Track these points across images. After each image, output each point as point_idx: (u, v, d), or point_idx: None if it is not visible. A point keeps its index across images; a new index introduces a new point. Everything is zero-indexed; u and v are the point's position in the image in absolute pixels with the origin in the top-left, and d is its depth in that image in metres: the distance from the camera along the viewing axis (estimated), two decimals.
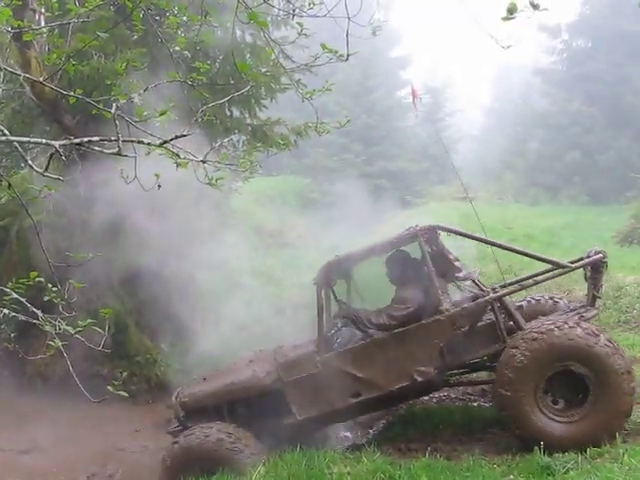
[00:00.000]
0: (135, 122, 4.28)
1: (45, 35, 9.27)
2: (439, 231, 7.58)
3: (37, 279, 5.29)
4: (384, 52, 38.19)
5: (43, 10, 9.81)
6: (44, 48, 10.75)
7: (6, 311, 5.06)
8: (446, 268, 7.43)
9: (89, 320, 4.77)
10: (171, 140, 3.63)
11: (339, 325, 8.14)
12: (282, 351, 7.97)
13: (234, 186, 15.41)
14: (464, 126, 43.59)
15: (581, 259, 7.67)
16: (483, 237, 7.78)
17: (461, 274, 7.42)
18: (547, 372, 6.71)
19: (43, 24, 9.66)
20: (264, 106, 13.33)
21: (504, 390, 6.80)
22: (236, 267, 12.18)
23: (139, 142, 3.61)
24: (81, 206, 10.86)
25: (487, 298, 7.20)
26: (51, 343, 5.16)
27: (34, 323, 4.97)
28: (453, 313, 7.11)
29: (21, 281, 5.20)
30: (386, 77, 35.72)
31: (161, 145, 3.61)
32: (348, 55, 5.54)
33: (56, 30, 7.54)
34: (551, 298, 8.89)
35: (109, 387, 5.03)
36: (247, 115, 13.34)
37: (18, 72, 6.22)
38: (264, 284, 13.85)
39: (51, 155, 3.54)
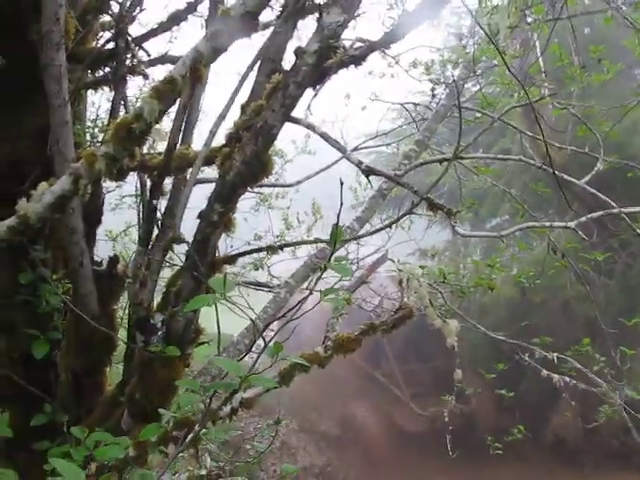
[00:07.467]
0: None
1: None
2: None
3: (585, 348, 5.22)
4: None
5: (547, 84, 10.22)
6: (551, 119, 11.08)
7: (567, 379, 4.99)
8: None
9: None
10: None
11: None
12: None
13: None
14: None
15: None
16: None
17: None
18: None
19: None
20: None
21: None
22: None
23: None
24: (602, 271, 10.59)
25: None
26: (601, 410, 5.18)
27: None
28: None
29: (575, 348, 5.15)
30: None
31: None
32: None
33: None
34: None
35: None
36: None
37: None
38: None
39: None
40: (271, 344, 1.81)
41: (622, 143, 12.54)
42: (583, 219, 3.63)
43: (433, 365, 16.36)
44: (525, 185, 12.58)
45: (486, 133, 16.80)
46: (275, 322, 3.89)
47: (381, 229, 3.00)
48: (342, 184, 1.69)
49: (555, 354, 4.74)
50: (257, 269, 7.87)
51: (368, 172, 2.77)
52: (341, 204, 1.53)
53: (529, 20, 6.44)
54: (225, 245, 5.44)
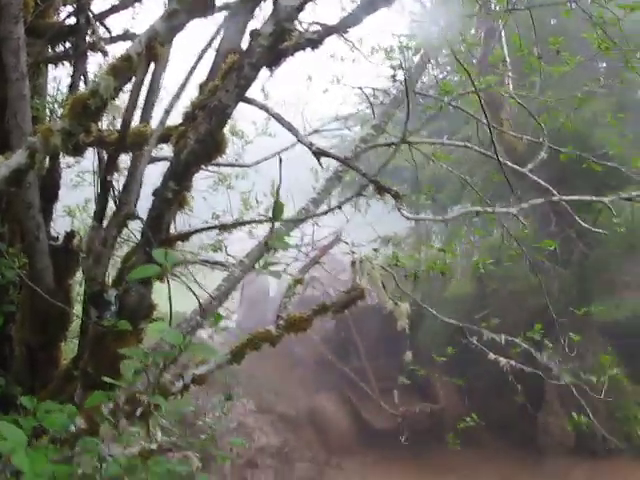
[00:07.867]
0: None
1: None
2: None
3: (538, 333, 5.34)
4: None
5: (510, 74, 10.35)
6: (512, 109, 11.23)
7: (513, 362, 5.13)
8: None
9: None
10: None
11: None
12: None
13: None
14: None
15: None
16: None
17: None
18: None
19: (510, 85, 10.19)
20: None
21: None
22: None
23: None
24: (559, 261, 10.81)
25: None
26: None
27: None
28: None
29: (528, 334, 5.27)
30: None
31: None
32: None
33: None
34: None
35: None
36: None
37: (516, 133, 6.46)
38: None
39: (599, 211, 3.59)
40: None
41: (583, 135, 12.78)
42: (525, 205, 3.76)
43: (402, 361, 16.49)
44: (487, 173, 12.79)
45: (450, 120, 16.94)
46: (236, 299, 3.95)
47: (331, 210, 3.09)
48: (281, 161, 1.75)
49: (503, 336, 4.88)
50: (215, 250, 7.91)
51: (319, 154, 2.85)
52: (280, 181, 1.60)
53: (492, 9, 6.54)
54: (183, 223, 5.46)
